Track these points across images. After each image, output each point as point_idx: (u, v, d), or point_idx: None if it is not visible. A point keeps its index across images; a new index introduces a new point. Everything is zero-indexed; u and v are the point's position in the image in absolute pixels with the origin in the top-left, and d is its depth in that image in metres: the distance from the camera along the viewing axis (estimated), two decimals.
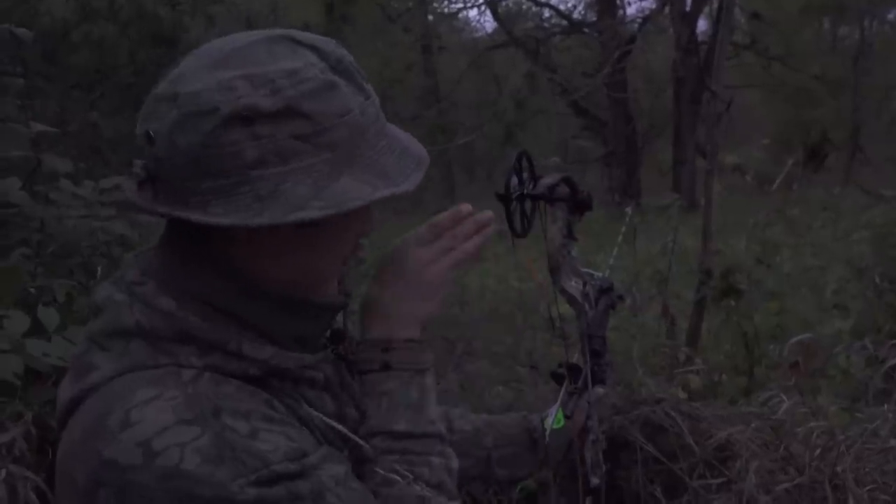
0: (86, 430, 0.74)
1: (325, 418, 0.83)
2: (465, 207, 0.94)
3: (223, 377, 0.77)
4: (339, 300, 0.90)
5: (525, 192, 0.95)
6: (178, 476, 0.68)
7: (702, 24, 16.15)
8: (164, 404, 0.72)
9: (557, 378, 1.08)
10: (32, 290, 1.87)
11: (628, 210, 1.39)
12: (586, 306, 1.03)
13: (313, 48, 0.79)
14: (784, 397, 1.48)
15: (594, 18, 16.38)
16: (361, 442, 0.84)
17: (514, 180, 0.94)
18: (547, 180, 0.97)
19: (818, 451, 1.31)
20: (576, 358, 1.09)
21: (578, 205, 1.00)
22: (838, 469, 1.26)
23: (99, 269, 2.07)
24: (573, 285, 1.01)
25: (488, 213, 0.94)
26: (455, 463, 0.90)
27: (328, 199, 0.75)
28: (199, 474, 0.69)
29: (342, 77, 0.79)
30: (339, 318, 0.99)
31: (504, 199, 0.94)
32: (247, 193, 0.73)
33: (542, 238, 1.00)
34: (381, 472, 0.83)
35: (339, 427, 0.83)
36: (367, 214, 0.85)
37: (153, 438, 0.70)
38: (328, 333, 0.93)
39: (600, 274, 1.07)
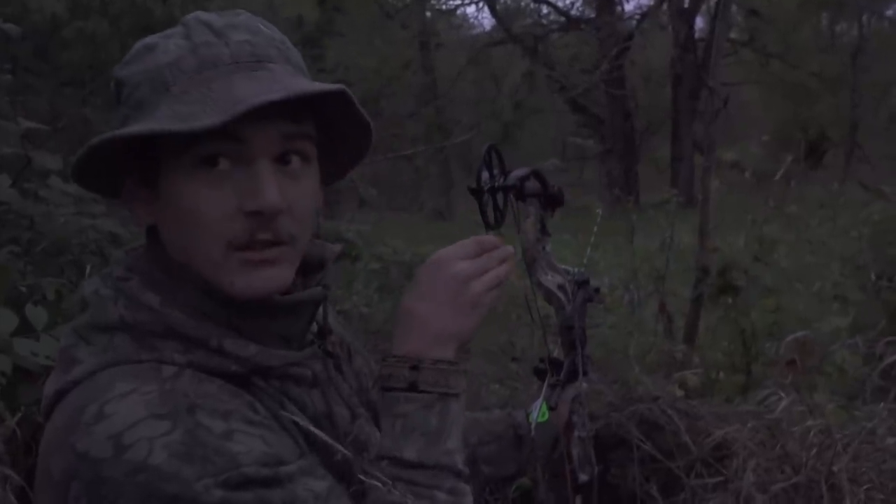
0: (64, 423, 0.73)
1: (303, 423, 0.80)
2: (491, 239, 0.90)
3: (206, 376, 0.75)
4: (302, 295, 0.84)
5: (496, 184, 0.95)
6: (145, 470, 0.67)
7: (699, 21, 16.15)
8: (139, 398, 0.71)
9: (539, 373, 1.07)
10: (23, 288, 1.85)
11: (599, 211, 1.40)
12: (564, 300, 1.02)
13: (184, 23, 0.81)
14: (783, 395, 1.47)
15: (592, 15, 16.38)
16: (339, 447, 0.80)
17: (485, 174, 0.94)
18: (517, 172, 0.97)
19: (815, 450, 1.30)
20: (557, 352, 1.08)
21: (550, 200, 1.00)
22: (835, 468, 1.25)
23: (89, 266, 2.06)
24: (549, 279, 1.01)
25: (510, 248, 0.90)
26: (469, 501, 0.82)
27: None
28: (165, 470, 0.67)
29: (183, 38, 0.78)
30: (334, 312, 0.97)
31: (476, 192, 0.93)
32: None
33: (519, 236, 0.99)
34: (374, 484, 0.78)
35: (319, 432, 0.80)
36: (230, 183, 0.76)
37: (124, 432, 0.68)
38: (314, 329, 0.90)
39: (576, 269, 1.07)
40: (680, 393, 2.02)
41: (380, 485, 0.76)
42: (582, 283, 1.05)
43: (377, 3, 10.99)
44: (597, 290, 1.07)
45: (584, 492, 1.05)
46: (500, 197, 0.96)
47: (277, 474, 0.70)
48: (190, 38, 0.78)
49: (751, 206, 3.43)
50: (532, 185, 0.98)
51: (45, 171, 2.09)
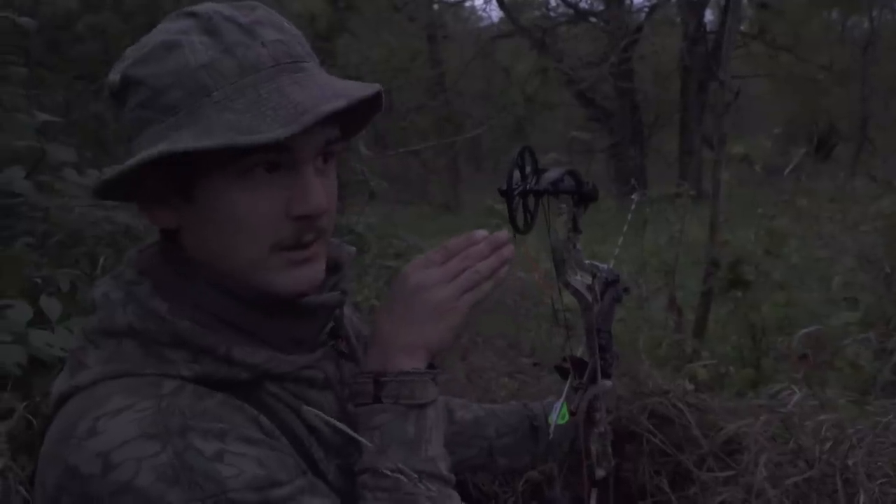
0: (59, 433, 0.72)
1: (329, 419, 0.79)
2: (480, 233, 0.87)
3: (208, 391, 0.74)
4: (323, 299, 0.84)
5: (528, 187, 0.91)
6: (130, 491, 0.66)
7: (708, 14, 16.05)
8: (133, 416, 0.70)
9: (562, 372, 1.07)
10: (37, 280, 1.86)
11: (634, 197, 1.37)
12: (592, 300, 1.01)
13: (193, 14, 0.77)
14: (796, 389, 1.47)
15: (601, 7, 16.30)
16: (365, 441, 0.80)
17: (517, 175, 0.90)
18: (551, 175, 0.93)
19: (829, 445, 1.30)
20: (580, 352, 1.07)
21: (583, 197, 0.98)
22: (849, 462, 1.25)
23: (102, 258, 2.07)
24: (578, 279, 0.99)
25: (504, 234, 0.86)
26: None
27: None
28: (150, 492, 0.66)
29: (206, 35, 0.74)
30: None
31: (506, 194, 0.89)
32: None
33: (545, 229, 0.97)
34: None
35: (343, 426, 0.79)
36: (277, 188, 0.76)
37: (113, 451, 0.68)
38: (328, 330, 0.88)
39: (606, 265, 1.06)
40: (690, 387, 2.02)
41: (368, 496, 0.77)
42: (611, 283, 1.04)
43: None
44: (626, 290, 1.06)
45: (600, 486, 1.05)
46: (530, 200, 0.92)
47: (267, 499, 0.69)
48: (218, 37, 0.75)
49: (760, 199, 3.42)
50: (566, 182, 0.95)
51: (59, 164, 2.09)
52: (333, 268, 0.89)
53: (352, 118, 0.83)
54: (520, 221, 0.91)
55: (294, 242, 0.78)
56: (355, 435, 0.80)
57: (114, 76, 0.77)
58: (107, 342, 0.77)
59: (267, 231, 0.77)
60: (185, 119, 0.73)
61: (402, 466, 0.78)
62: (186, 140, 0.71)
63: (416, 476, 0.78)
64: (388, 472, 0.78)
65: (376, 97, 0.80)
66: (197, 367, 0.75)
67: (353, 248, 0.95)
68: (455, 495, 0.82)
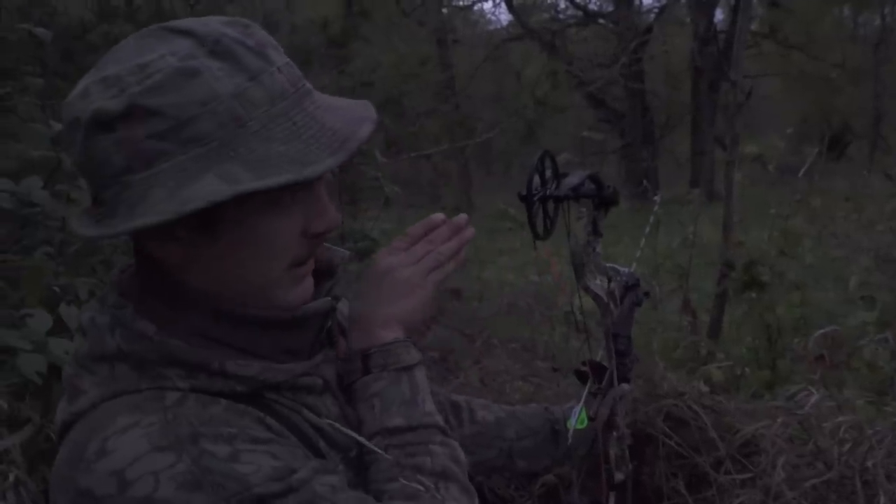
0: (67, 458, 0.72)
1: (335, 423, 0.81)
2: (438, 216, 0.93)
3: (211, 398, 0.75)
4: (314, 306, 0.84)
5: (548, 193, 0.91)
6: None
7: (718, 14, 15.98)
8: (140, 432, 0.70)
9: (581, 376, 1.07)
10: (56, 288, 1.88)
11: (656, 199, 1.36)
12: (611, 305, 1.01)
13: (188, 33, 0.73)
14: (813, 391, 1.46)
15: (610, 9, 16.27)
16: (371, 446, 0.81)
17: (537, 181, 0.90)
18: (571, 180, 0.93)
19: (847, 446, 1.29)
20: (599, 356, 1.07)
21: (604, 201, 0.98)
22: (868, 464, 1.24)
23: (118, 267, 2.08)
24: (598, 283, 0.99)
25: (463, 216, 0.93)
26: (461, 453, 0.86)
27: (177, 202, 0.68)
28: (175, 501, 0.66)
29: (218, 59, 0.72)
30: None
31: (526, 200, 0.89)
32: (124, 202, 0.71)
33: (563, 232, 0.97)
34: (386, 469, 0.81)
35: (348, 431, 0.81)
36: (297, 209, 0.77)
37: (126, 468, 0.68)
38: (324, 335, 0.89)
39: (626, 269, 1.05)
40: (705, 389, 2.01)
41: (383, 455, 0.80)
42: (630, 287, 1.03)
43: (395, 1, 11.00)
44: (646, 294, 1.05)
45: (618, 490, 1.05)
46: (550, 205, 0.92)
47: (290, 484, 0.71)
48: (234, 62, 0.72)
49: (774, 199, 3.40)
50: (586, 186, 0.95)
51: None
52: (326, 272, 0.90)
53: None
54: (539, 227, 0.91)
55: (307, 258, 0.82)
56: (360, 438, 0.81)
57: (107, 104, 0.70)
58: (99, 367, 0.76)
59: (287, 252, 0.79)
60: (220, 151, 0.70)
61: (410, 422, 0.84)
62: (245, 177, 0.69)
63: (420, 427, 0.84)
64: (397, 428, 0.83)
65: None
66: (193, 381, 0.75)
67: (347, 252, 0.96)
68: (455, 444, 0.87)
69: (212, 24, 0.75)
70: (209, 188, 0.68)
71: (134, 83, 0.70)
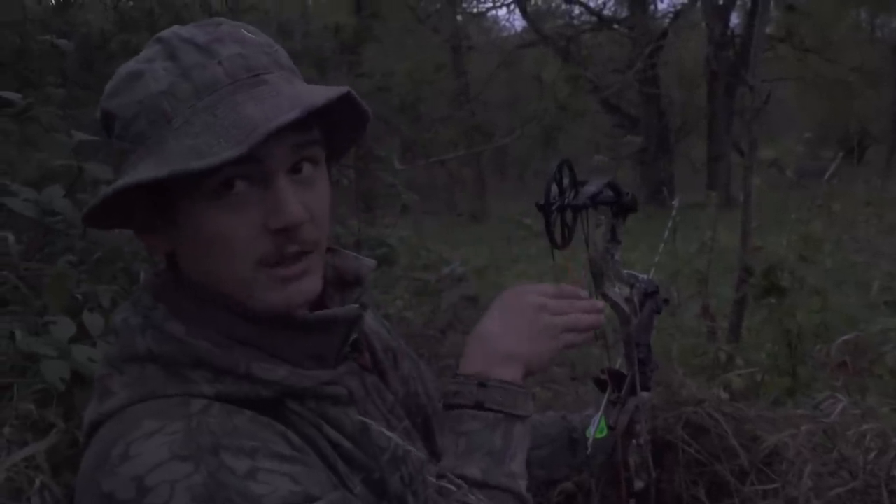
0: (93, 459, 0.73)
1: (389, 433, 0.80)
2: (585, 294, 0.93)
3: (236, 408, 0.75)
4: (337, 313, 0.83)
5: (566, 202, 0.89)
6: None
7: (733, 18, 15.91)
8: (164, 438, 0.70)
9: (600, 384, 1.06)
10: (79, 296, 1.90)
11: (675, 203, 1.35)
12: (630, 313, 1.00)
13: (159, 40, 0.77)
14: (842, 398, 1.44)
15: (625, 14, 16.25)
16: (414, 450, 0.80)
17: (555, 189, 0.88)
18: (590, 188, 0.91)
19: (872, 455, 1.28)
20: (618, 364, 1.06)
21: (623, 208, 0.97)
22: (894, 473, 1.22)
23: (141, 273, 2.10)
24: (616, 292, 0.98)
25: (600, 303, 0.93)
26: None
27: (102, 196, 0.75)
28: None
29: (169, 60, 0.75)
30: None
31: (544, 209, 0.87)
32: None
33: (581, 240, 0.96)
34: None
35: (398, 439, 0.80)
36: (251, 205, 0.75)
37: (146, 474, 0.68)
38: (349, 346, 0.86)
39: (645, 276, 1.04)
40: (725, 396, 1.99)
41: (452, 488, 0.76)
42: (650, 294, 1.02)
43: (409, 8, 11.04)
44: (666, 301, 1.04)
45: (639, 498, 1.04)
46: (568, 214, 0.90)
47: None
48: (177, 60, 0.75)
49: (792, 204, 3.37)
50: (605, 193, 0.94)
51: (95, 182, 2.14)
52: (355, 282, 0.90)
53: (337, 119, 0.82)
54: (557, 237, 0.89)
55: (278, 257, 0.77)
56: (409, 447, 0.80)
57: (97, 112, 0.79)
58: (130, 368, 0.77)
59: (247, 247, 0.76)
60: (153, 148, 0.73)
61: (487, 479, 0.79)
62: (145, 171, 0.72)
63: (496, 489, 0.79)
64: (471, 481, 0.79)
65: (350, 99, 0.79)
66: (219, 385, 0.76)
67: (374, 262, 0.94)
68: None
69: (180, 28, 0.78)
70: (120, 184, 0.73)
71: (107, 89, 0.78)
